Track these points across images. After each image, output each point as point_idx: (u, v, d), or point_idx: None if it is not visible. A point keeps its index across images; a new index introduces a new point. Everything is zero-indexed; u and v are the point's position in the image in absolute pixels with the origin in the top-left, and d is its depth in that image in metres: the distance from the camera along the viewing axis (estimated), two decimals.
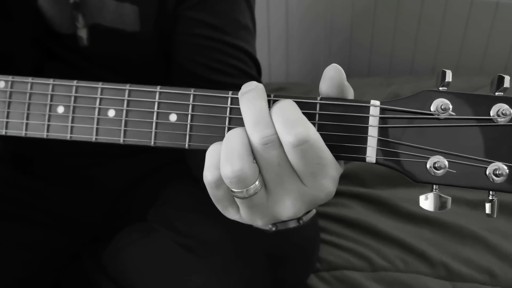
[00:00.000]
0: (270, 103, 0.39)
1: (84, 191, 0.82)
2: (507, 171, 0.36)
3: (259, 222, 0.41)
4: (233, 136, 0.38)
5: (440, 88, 0.37)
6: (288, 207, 0.39)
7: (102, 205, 0.83)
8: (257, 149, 0.37)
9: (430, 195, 0.36)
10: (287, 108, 0.37)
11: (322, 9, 1.50)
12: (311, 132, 0.36)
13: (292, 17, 1.51)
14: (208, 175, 0.39)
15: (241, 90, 0.39)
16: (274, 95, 0.40)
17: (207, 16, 0.66)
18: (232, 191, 0.38)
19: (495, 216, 0.36)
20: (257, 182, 0.38)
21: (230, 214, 0.42)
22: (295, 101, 0.38)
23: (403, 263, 0.85)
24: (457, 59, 1.46)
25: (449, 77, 0.36)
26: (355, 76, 1.59)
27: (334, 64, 0.38)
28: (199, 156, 0.46)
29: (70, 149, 0.61)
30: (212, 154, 0.38)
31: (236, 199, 0.39)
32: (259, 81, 0.72)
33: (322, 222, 0.93)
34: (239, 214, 0.41)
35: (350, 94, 0.40)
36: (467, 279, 0.82)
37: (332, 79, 0.38)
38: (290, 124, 0.36)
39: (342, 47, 1.57)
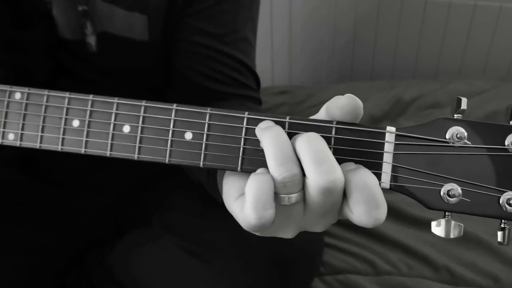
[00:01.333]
0: (285, 125, 0.40)
1: (89, 194, 0.82)
2: None
3: (289, 234, 0.41)
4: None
5: (455, 116, 0.37)
6: (320, 227, 0.40)
7: (106, 208, 0.84)
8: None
9: (443, 222, 0.37)
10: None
11: (326, 12, 1.49)
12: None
13: (296, 20, 1.50)
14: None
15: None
16: (289, 117, 0.40)
17: (207, 25, 0.66)
18: (277, 195, 0.37)
19: (506, 244, 0.36)
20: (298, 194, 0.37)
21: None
22: (311, 124, 0.39)
23: (407, 267, 0.86)
24: (460, 63, 1.46)
25: (464, 104, 0.37)
26: (358, 79, 1.59)
27: (350, 96, 0.37)
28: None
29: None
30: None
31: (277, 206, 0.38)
32: (257, 92, 0.72)
33: None
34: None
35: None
36: (471, 283, 0.83)
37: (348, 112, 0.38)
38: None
39: (345, 50, 1.57)
